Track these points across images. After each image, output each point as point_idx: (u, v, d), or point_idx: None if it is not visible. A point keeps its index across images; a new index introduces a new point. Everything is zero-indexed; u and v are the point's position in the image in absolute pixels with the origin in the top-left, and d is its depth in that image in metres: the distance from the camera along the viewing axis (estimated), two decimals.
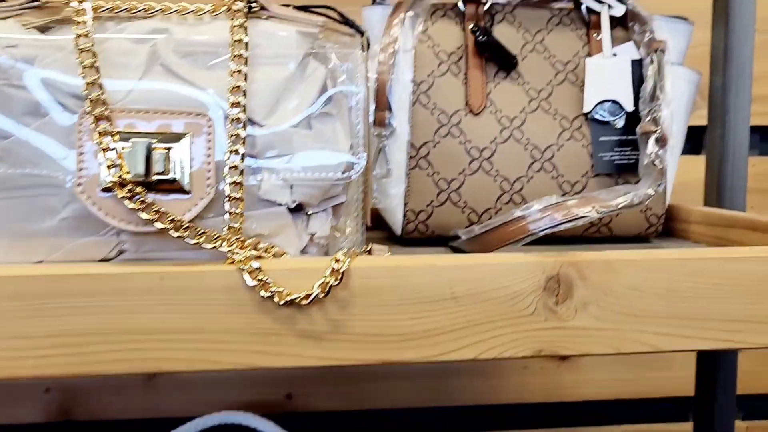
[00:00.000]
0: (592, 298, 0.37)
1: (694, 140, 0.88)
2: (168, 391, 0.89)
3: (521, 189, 0.59)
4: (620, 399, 0.98)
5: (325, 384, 0.92)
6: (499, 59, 0.59)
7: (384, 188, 0.60)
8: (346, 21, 0.38)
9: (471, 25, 0.59)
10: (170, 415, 0.85)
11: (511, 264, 0.36)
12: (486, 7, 0.61)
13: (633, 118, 0.59)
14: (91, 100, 0.33)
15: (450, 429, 0.98)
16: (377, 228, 0.65)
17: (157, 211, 0.33)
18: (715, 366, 0.69)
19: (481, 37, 0.58)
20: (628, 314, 0.37)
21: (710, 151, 0.69)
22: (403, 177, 0.59)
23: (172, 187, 0.34)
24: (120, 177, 0.32)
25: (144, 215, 0.33)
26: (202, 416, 0.74)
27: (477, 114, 0.59)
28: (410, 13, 0.60)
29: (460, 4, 0.60)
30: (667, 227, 0.64)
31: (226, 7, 0.36)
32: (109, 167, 0.33)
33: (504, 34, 0.60)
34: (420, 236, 0.60)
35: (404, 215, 0.59)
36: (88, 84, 0.33)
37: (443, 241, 0.61)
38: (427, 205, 0.59)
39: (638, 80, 0.59)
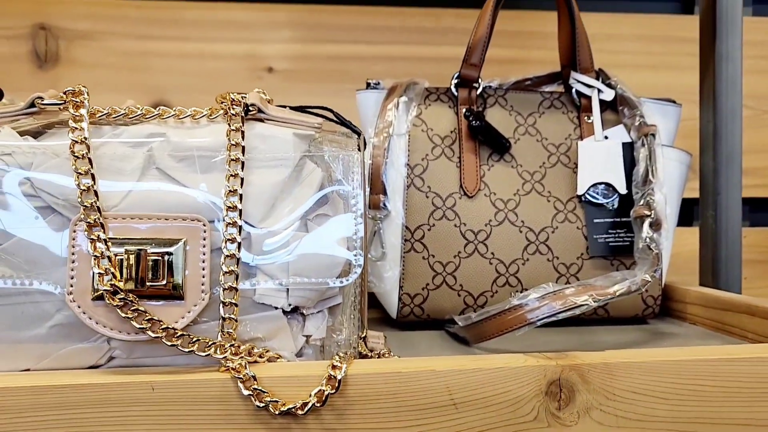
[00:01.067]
0: (595, 402, 0.36)
1: (686, 213, 0.88)
2: None
3: (517, 271, 0.58)
4: None
5: None
6: (492, 142, 0.60)
7: (379, 271, 0.60)
8: (342, 122, 0.38)
9: (464, 110, 0.60)
10: None
11: (512, 368, 0.36)
12: (478, 91, 0.62)
13: (626, 200, 0.60)
14: (85, 207, 0.33)
15: None
16: (372, 306, 0.64)
17: (150, 320, 0.32)
18: None
19: (474, 122, 0.59)
20: (630, 418, 0.36)
21: (703, 230, 0.69)
22: (398, 260, 0.58)
23: (166, 293, 0.33)
24: (112, 285, 0.32)
25: (136, 324, 0.33)
26: None
27: (471, 197, 0.59)
28: (404, 98, 0.61)
29: (453, 89, 0.61)
30: (664, 306, 0.64)
31: (223, 110, 0.36)
32: (101, 275, 0.32)
33: (497, 117, 0.61)
34: (416, 320, 0.60)
35: (399, 299, 0.59)
36: (82, 191, 0.33)
37: (439, 324, 0.60)
38: (423, 288, 0.58)
39: (630, 162, 0.60)
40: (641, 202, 0.57)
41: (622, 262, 0.59)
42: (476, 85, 0.61)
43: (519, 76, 0.67)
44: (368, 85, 0.63)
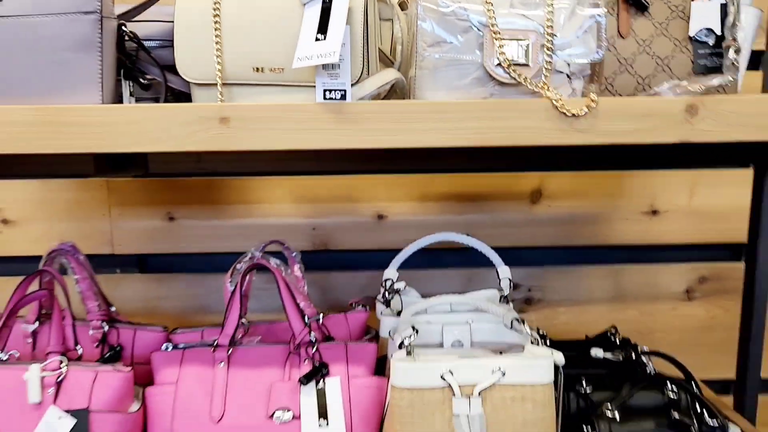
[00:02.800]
0: None
1: (755, 60, 1.25)
2: (392, 229, 1.33)
3: (649, 82, 0.99)
4: None
5: None
6: (638, 4, 0.99)
7: None
8: None
9: None
10: (394, 247, 1.29)
11: None
12: None
13: (720, 39, 0.98)
14: (491, 26, 0.74)
15: None
16: None
17: (519, 74, 0.75)
18: None
19: None
20: None
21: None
22: None
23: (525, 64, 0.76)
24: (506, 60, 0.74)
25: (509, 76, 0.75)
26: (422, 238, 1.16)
27: (624, 38, 0.99)
28: None
29: None
30: None
31: None
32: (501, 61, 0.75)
33: None
34: None
35: None
36: (489, 18, 0.74)
37: None
38: None
39: (724, 14, 0.98)
40: (730, 38, 0.96)
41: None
42: None
43: None
44: None
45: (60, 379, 0.92)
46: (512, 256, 1.17)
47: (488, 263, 1.10)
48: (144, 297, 1.39)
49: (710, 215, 1.41)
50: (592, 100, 0.81)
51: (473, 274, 1.40)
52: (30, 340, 1.02)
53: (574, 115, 0.80)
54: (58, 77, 0.84)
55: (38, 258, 1.05)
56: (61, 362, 0.92)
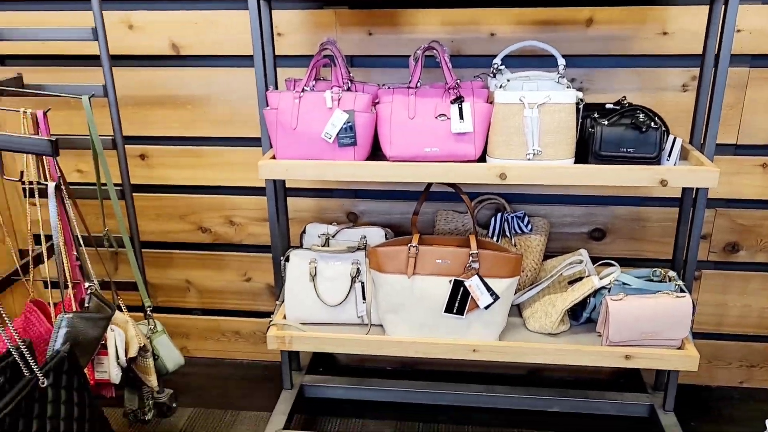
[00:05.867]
0: None
1: None
2: (499, 42, 2.32)
3: None
4: None
5: None
6: None
7: None
8: None
9: None
10: (498, 52, 2.26)
11: None
12: None
13: None
14: None
15: None
16: None
17: None
18: None
19: None
20: None
21: None
22: None
23: None
24: None
25: None
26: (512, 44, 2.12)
27: None
28: None
29: None
30: None
31: None
32: None
33: None
34: None
35: None
36: None
37: None
38: None
39: None
40: None
41: None
42: None
43: None
44: None
45: (339, 96, 2.00)
46: (570, 61, 2.11)
47: (556, 64, 2.04)
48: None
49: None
50: None
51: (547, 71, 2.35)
52: (314, 82, 2.10)
53: None
54: None
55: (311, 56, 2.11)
56: (340, 89, 2.01)
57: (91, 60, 2.37)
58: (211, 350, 3.02)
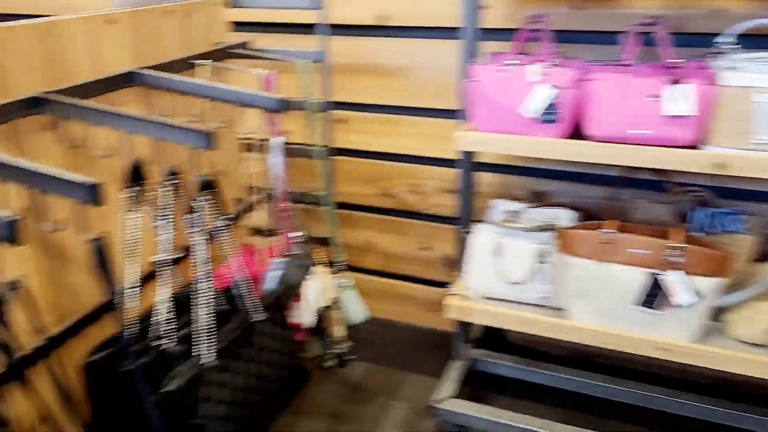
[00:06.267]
0: None
1: None
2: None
3: None
4: None
5: None
6: None
7: None
8: None
9: None
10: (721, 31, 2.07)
11: None
12: None
13: None
14: None
15: None
16: None
17: None
18: None
19: None
20: None
21: None
22: None
23: None
24: None
25: None
26: None
27: None
28: None
29: None
30: None
31: None
32: None
33: None
34: None
35: None
36: None
37: None
38: None
39: None
40: None
41: None
42: None
43: None
44: None
45: (545, 71, 1.95)
46: None
47: None
48: None
49: None
50: None
51: None
52: (518, 57, 2.07)
53: None
54: None
55: (512, 29, 2.07)
56: (547, 63, 1.96)
57: (303, 28, 2.53)
58: (387, 311, 3.15)
